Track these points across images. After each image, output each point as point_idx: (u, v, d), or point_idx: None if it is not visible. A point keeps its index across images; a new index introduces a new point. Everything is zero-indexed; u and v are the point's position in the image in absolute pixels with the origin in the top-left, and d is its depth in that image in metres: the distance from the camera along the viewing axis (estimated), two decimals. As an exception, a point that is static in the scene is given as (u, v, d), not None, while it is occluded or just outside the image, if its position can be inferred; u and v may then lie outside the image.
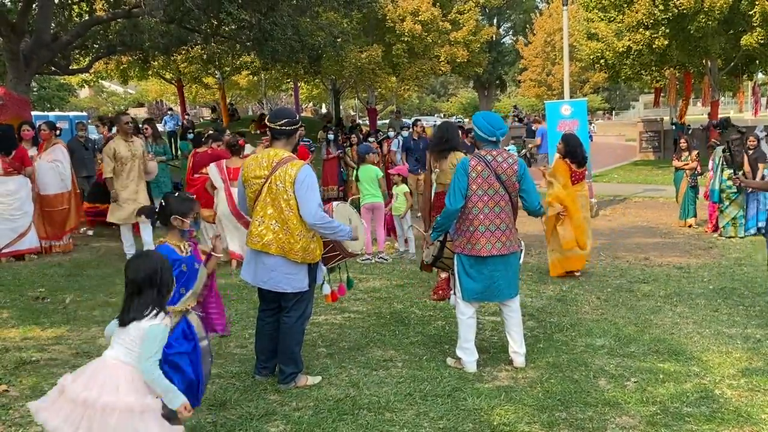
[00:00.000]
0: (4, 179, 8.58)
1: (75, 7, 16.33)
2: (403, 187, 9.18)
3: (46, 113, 24.73)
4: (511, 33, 46.63)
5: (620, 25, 18.87)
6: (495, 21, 41.16)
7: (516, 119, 29.80)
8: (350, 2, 16.27)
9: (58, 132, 9.95)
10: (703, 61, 20.23)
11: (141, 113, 41.44)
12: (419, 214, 11.68)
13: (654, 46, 18.10)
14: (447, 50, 24.30)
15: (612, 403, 4.24)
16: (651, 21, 17.62)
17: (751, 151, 10.01)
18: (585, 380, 4.63)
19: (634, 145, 26.34)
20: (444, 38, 24.12)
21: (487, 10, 36.95)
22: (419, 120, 14.53)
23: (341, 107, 34.21)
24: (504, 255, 4.81)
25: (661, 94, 27.21)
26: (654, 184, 16.95)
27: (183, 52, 21.05)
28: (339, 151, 14.16)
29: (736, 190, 9.80)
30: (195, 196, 8.35)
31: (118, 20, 15.24)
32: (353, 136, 14.51)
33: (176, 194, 3.83)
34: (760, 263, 8.21)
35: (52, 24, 14.62)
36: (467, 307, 4.92)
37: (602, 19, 20.00)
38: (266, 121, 4.67)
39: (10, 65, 12.85)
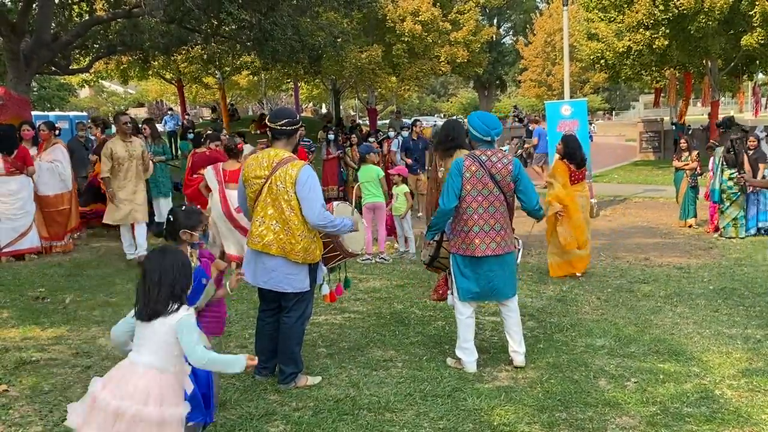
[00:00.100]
0: (6, 179, 8.58)
1: (75, 7, 16.32)
2: (404, 187, 9.18)
3: (46, 113, 24.75)
4: (511, 33, 46.66)
5: (620, 25, 18.87)
6: (495, 21, 41.17)
7: (516, 119, 29.80)
8: (350, 2, 16.25)
9: (57, 132, 9.94)
10: (704, 62, 20.23)
11: (141, 113, 41.45)
12: (420, 214, 11.73)
13: (654, 47, 18.09)
14: (447, 50, 24.30)
15: (612, 404, 4.24)
16: (651, 21, 17.62)
17: (751, 152, 10.02)
18: (585, 380, 4.63)
19: (634, 145, 26.35)
20: (444, 38, 24.11)
21: (488, 11, 36.97)
22: (418, 120, 14.55)
23: (341, 107, 34.21)
24: (499, 255, 4.80)
25: (662, 95, 27.21)
26: (654, 185, 16.95)
27: (183, 52, 21.04)
28: (339, 151, 14.16)
29: (736, 191, 9.80)
30: (192, 198, 8.44)
31: (119, 20, 15.24)
32: (353, 136, 14.51)
33: (183, 208, 3.81)
34: (760, 263, 8.22)
35: (53, 24, 14.61)
36: (465, 307, 4.92)
37: (602, 20, 19.99)
38: (266, 121, 4.67)
39: (11, 65, 12.84)
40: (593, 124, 33.38)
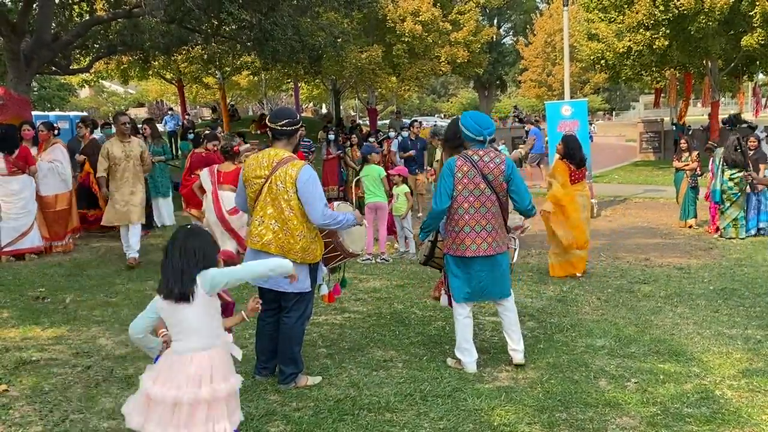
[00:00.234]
0: (7, 179, 8.60)
1: (75, 6, 16.33)
2: (404, 188, 9.19)
3: (46, 113, 24.76)
4: (511, 33, 46.62)
5: (621, 25, 18.86)
6: (495, 21, 41.15)
7: (516, 119, 29.82)
8: (351, 2, 16.26)
9: (56, 132, 9.94)
10: (704, 62, 20.22)
11: (141, 113, 41.46)
12: (420, 215, 11.73)
13: (654, 47, 18.09)
14: (447, 50, 24.30)
15: (612, 404, 4.24)
16: (651, 21, 17.62)
17: (751, 152, 10.02)
18: (585, 381, 4.63)
19: (635, 145, 26.34)
20: (444, 39, 24.12)
21: (488, 11, 36.94)
22: (416, 121, 14.56)
23: (341, 107, 34.22)
24: (490, 256, 4.79)
25: (662, 95, 27.21)
26: (654, 185, 16.95)
27: (183, 52, 21.06)
28: (339, 151, 14.17)
29: (736, 191, 9.80)
30: (187, 198, 8.41)
31: (119, 20, 15.24)
32: (353, 136, 14.52)
33: (188, 227, 3.78)
34: (760, 264, 8.22)
35: (53, 24, 14.61)
36: (461, 308, 4.92)
37: (603, 20, 19.99)
38: (267, 121, 4.67)
39: (11, 65, 12.85)
40: (593, 125, 33.38)
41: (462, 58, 24.51)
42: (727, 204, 9.87)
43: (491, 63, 33.12)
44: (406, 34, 22.55)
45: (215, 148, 8.74)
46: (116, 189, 8.37)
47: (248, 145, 10.89)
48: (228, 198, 7.58)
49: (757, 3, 16.44)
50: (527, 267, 8.34)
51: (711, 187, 10.12)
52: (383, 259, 8.84)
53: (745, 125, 18.14)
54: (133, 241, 8.43)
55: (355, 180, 7.73)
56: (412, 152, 12.60)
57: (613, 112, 58.04)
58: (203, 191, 7.86)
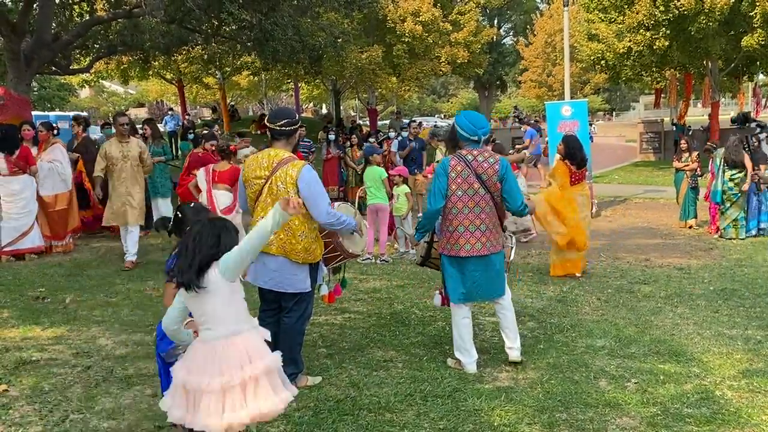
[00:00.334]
0: (8, 179, 8.61)
1: (76, 7, 16.33)
2: (404, 188, 9.20)
3: (46, 113, 24.77)
4: (511, 34, 46.63)
5: (621, 26, 18.87)
6: (495, 22, 41.15)
7: (516, 120, 29.82)
8: (351, 2, 16.27)
9: (55, 132, 9.94)
10: (704, 62, 20.23)
11: (141, 113, 41.48)
12: (420, 214, 11.72)
13: (654, 47, 18.09)
14: (447, 51, 24.30)
15: (612, 404, 4.24)
16: (651, 22, 17.62)
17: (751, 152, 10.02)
18: (585, 381, 4.62)
19: (635, 146, 26.34)
20: (445, 39, 24.11)
21: (488, 11, 36.94)
22: (414, 121, 14.57)
23: (342, 108, 34.22)
24: (484, 255, 4.78)
25: (662, 95, 27.22)
26: (654, 185, 16.95)
27: (184, 52, 21.06)
28: (339, 151, 14.17)
29: (737, 192, 9.80)
30: (183, 198, 8.40)
31: (119, 20, 15.25)
32: (353, 136, 14.52)
33: (191, 204, 3.77)
34: (760, 264, 8.22)
35: (53, 24, 14.61)
36: (459, 308, 4.91)
37: (603, 20, 20.00)
38: (266, 121, 4.66)
39: (11, 65, 12.85)
40: (593, 125, 33.35)
41: (462, 59, 24.50)
42: (728, 204, 9.87)
43: (491, 63, 33.14)
44: (407, 35, 22.54)
45: (213, 148, 8.74)
46: (113, 189, 8.37)
47: (250, 148, 10.90)
48: (222, 197, 7.58)
49: (758, 3, 16.45)
50: (527, 267, 8.35)
51: (712, 187, 10.11)
52: (383, 260, 8.84)
53: (754, 124, 18.13)
54: (130, 244, 8.40)
55: (361, 189, 7.75)
56: (411, 145, 12.57)
57: (614, 113, 58.03)
58: (199, 190, 7.86)
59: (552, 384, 4.57)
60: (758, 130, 14.86)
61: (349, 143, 13.97)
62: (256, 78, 31.61)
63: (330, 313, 6.34)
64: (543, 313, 6.33)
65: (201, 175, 7.87)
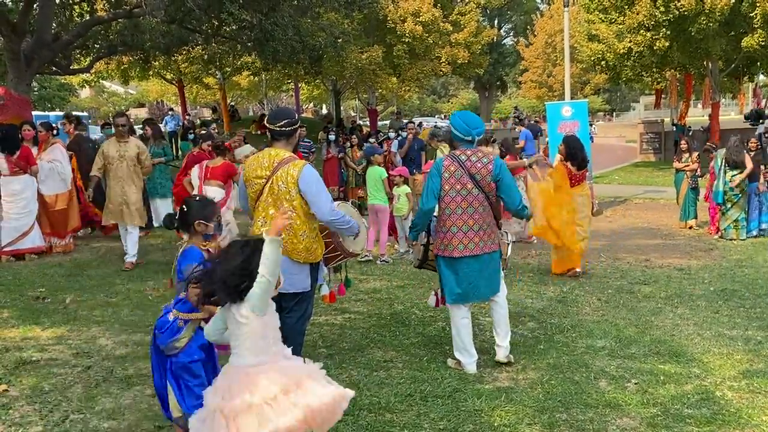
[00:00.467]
0: (9, 179, 8.60)
1: (76, 7, 16.35)
2: (405, 188, 9.20)
3: (46, 113, 24.76)
4: (512, 34, 46.66)
5: (621, 26, 18.88)
6: (496, 22, 41.17)
7: (516, 120, 29.80)
8: (351, 3, 16.28)
9: (55, 132, 9.94)
10: (704, 63, 20.24)
11: (142, 113, 41.47)
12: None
13: (655, 48, 18.10)
14: (448, 51, 24.31)
15: (613, 405, 4.24)
16: (652, 22, 17.63)
17: (752, 153, 10.02)
18: (585, 381, 4.62)
19: (635, 146, 26.34)
20: (445, 39, 24.12)
21: (488, 11, 36.97)
22: (412, 122, 14.59)
23: (342, 108, 34.23)
24: (477, 255, 4.77)
25: (662, 96, 27.21)
26: (655, 186, 16.95)
27: (184, 52, 21.08)
28: (339, 151, 14.16)
29: (737, 192, 9.80)
30: (179, 197, 8.37)
31: (119, 20, 15.26)
32: (353, 136, 14.52)
33: (197, 198, 3.76)
34: (761, 265, 8.21)
35: (53, 24, 14.63)
36: (458, 309, 4.90)
37: (603, 21, 20.01)
38: (266, 122, 4.66)
39: (11, 65, 12.86)
40: (594, 126, 33.35)
41: (462, 59, 24.51)
42: (728, 205, 9.86)
43: (492, 64, 33.17)
44: (407, 35, 22.55)
45: (209, 148, 8.75)
46: (109, 188, 8.35)
47: (250, 149, 10.88)
48: (213, 193, 7.56)
49: (758, 4, 16.45)
50: (527, 267, 8.34)
51: (713, 188, 10.10)
52: (384, 260, 8.83)
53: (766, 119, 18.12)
54: (130, 245, 8.37)
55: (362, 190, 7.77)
56: (409, 138, 12.61)
57: (614, 113, 58.01)
58: (193, 187, 7.86)
59: (552, 384, 4.57)
60: (763, 129, 14.89)
61: (349, 143, 13.96)
62: (256, 78, 31.62)
63: (330, 313, 6.34)
64: (543, 313, 6.33)
65: (195, 172, 7.87)
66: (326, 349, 5.35)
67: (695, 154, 11.11)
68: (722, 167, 9.90)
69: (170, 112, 27.69)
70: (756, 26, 16.94)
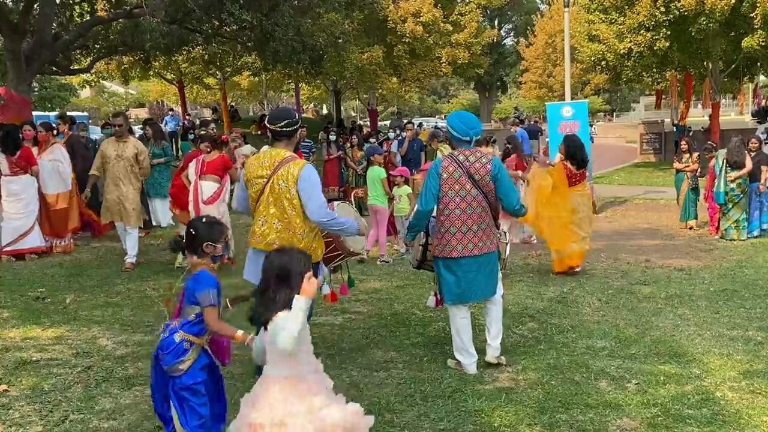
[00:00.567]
0: (10, 179, 8.61)
1: (76, 7, 16.35)
2: (406, 188, 9.18)
3: (47, 113, 24.75)
4: (512, 34, 46.66)
5: (621, 26, 18.87)
6: (496, 22, 41.18)
7: (516, 120, 29.79)
8: (351, 3, 16.28)
9: (55, 132, 9.93)
10: (704, 63, 20.23)
11: (142, 114, 41.48)
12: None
13: (655, 48, 18.09)
14: (448, 51, 24.31)
15: (613, 405, 4.24)
16: (652, 23, 17.63)
17: (753, 153, 10.01)
18: (586, 382, 4.62)
19: (635, 147, 26.34)
20: (445, 39, 24.13)
21: (488, 12, 36.98)
22: (411, 122, 14.60)
23: (342, 108, 34.23)
24: (477, 256, 4.77)
25: (663, 96, 27.21)
26: (655, 186, 16.94)
27: (184, 52, 21.09)
28: (340, 152, 14.17)
29: (738, 192, 9.79)
30: (175, 197, 8.36)
31: (120, 20, 15.27)
32: (353, 137, 14.53)
33: (203, 220, 3.69)
34: (761, 265, 8.21)
35: (54, 24, 14.64)
36: (457, 309, 4.90)
37: (603, 21, 20.00)
38: (266, 122, 4.66)
39: (11, 65, 12.87)
40: (594, 126, 33.39)
41: (463, 59, 24.52)
42: (729, 206, 9.86)
43: (492, 64, 33.17)
44: (407, 35, 22.56)
45: (208, 149, 8.73)
46: (106, 187, 8.32)
47: (250, 148, 10.87)
48: (207, 187, 7.55)
49: (758, 4, 16.44)
50: (528, 268, 8.34)
51: (715, 188, 10.08)
52: (384, 260, 8.83)
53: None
54: (129, 246, 8.34)
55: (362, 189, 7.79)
56: (408, 136, 12.65)
57: (614, 114, 58.03)
58: (190, 182, 7.85)
59: (552, 385, 4.57)
60: (763, 129, 14.87)
61: (349, 144, 13.97)
62: (256, 78, 31.63)
63: (330, 313, 6.34)
64: (543, 313, 6.32)
65: (191, 167, 7.86)
66: (326, 350, 5.35)
67: (695, 155, 11.10)
68: (723, 168, 9.89)
69: (170, 113, 27.70)
70: (756, 27, 16.92)
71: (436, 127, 21.44)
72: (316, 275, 4.56)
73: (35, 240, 8.85)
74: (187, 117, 27.67)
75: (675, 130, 22.22)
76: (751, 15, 16.79)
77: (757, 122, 17.68)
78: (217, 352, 3.63)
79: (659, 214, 12.82)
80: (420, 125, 15.74)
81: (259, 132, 22.98)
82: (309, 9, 15.82)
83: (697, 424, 3.98)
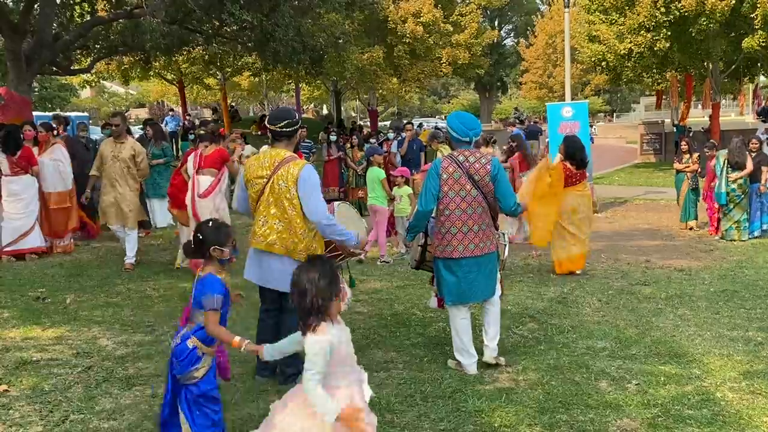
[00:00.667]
0: (10, 179, 8.61)
1: (77, 7, 16.35)
2: (407, 189, 9.17)
3: (47, 114, 24.77)
4: (512, 35, 46.67)
5: (622, 27, 18.88)
6: (496, 23, 41.20)
7: (517, 121, 29.80)
8: (351, 3, 16.29)
9: (55, 132, 9.94)
10: (705, 64, 20.24)
11: (142, 114, 41.49)
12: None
13: (655, 49, 18.10)
14: (448, 52, 24.32)
15: (613, 406, 4.24)
16: (652, 23, 17.64)
17: (753, 154, 10.00)
18: (586, 382, 4.62)
19: (635, 147, 26.35)
20: (446, 40, 24.14)
21: (489, 12, 36.99)
22: (411, 123, 14.60)
23: (342, 109, 34.24)
24: (477, 256, 4.77)
25: (663, 97, 27.21)
26: (655, 187, 16.94)
27: (185, 52, 21.09)
28: (340, 152, 14.17)
29: (740, 193, 9.79)
30: (172, 196, 8.34)
31: (120, 21, 15.27)
32: (354, 137, 14.53)
33: (209, 223, 3.67)
34: (761, 266, 8.21)
35: (54, 24, 14.64)
36: (457, 309, 4.90)
37: (604, 22, 20.01)
38: (266, 123, 4.66)
39: (12, 65, 12.87)
40: (594, 126, 33.40)
41: (463, 60, 24.53)
42: (731, 206, 9.86)
43: (492, 64, 33.18)
44: (408, 36, 22.57)
45: (206, 146, 8.73)
46: (102, 188, 8.28)
47: (251, 149, 10.88)
48: (204, 181, 7.54)
49: (758, 5, 16.45)
50: (528, 268, 8.34)
51: (716, 188, 10.07)
52: (384, 260, 8.83)
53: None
54: (128, 247, 8.32)
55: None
56: (408, 136, 12.68)
57: (614, 114, 58.04)
58: (189, 176, 7.84)
59: (553, 385, 4.57)
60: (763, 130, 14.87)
61: (349, 144, 13.97)
62: (256, 79, 31.63)
63: (330, 313, 6.33)
64: (544, 314, 6.32)
65: (190, 162, 7.85)
66: (326, 350, 5.34)
67: (696, 155, 11.10)
68: (724, 168, 9.88)
69: (171, 113, 27.69)
70: (756, 27, 16.94)
71: (436, 128, 21.44)
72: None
73: (35, 240, 8.85)
74: (187, 117, 27.66)
75: (675, 130, 22.23)
76: (752, 15, 16.81)
77: (763, 121, 17.69)
78: (218, 366, 3.61)
79: (659, 214, 12.82)
80: (420, 125, 15.73)
81: (259, 132, 22.96)
82: (309, 9, 15.82)
83: (698, 424, 3.98)
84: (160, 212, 11.02)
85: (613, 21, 19.32)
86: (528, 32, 43.55)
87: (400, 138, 13.85)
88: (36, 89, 29.45)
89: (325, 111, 41.75)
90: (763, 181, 9.89)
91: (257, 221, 4.46)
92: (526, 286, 7.37)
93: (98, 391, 4.50)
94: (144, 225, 10.16)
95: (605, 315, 6.27)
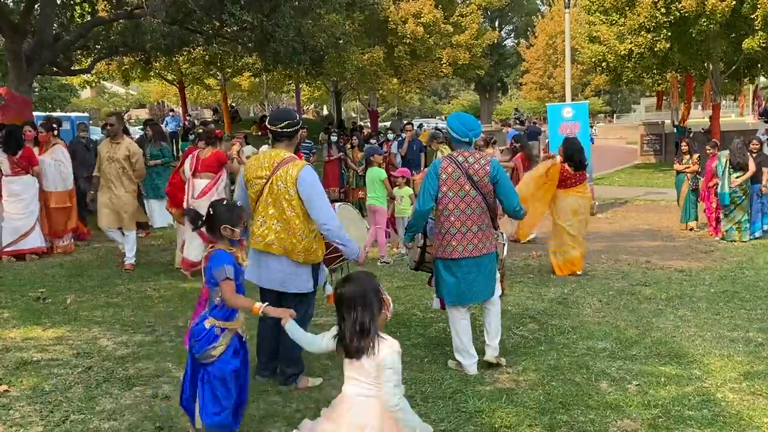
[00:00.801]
0: (11, 179, 8.62)
1: (77, 7, 16.35)
2: (407, 189, 9.17)
3: (47, 114, 24.77)
4: (513, 36, 46.68)
5: (622, 28, 18.88)
6: (497, 23, 41.20)
7: (517, 122, 29.80)
8: (352, 4, 16.28)
9: (56, 132, 9.93)
10: (705, 65, 20.23)
11: (142, 114, 41.49)
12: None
13: (656, 49, 18.10)
14: (449, 52, 24.32)
15: (613, 406, 4.23)
16: (653, 24, 17.64)
17: (754, 155, 10.00)
18: (586, 383, 4.62)
19: (636, 148, 26.35)
20: (446, 40, 24.15)
21: (489, 13, 37.00)
22: (411, 123, 14.61)
23: (342, 109, 34.25)
24: (476, 257, 4.77)
25: (663, 98, 27.21)
26: (655, 187, 16.95)
27: (185, 53, 21.09)
28: (340, 152, 14.17)
29: (741, 194, 9.79)
30: (171, 196, 8.34)
31: (120, 21, 15.27)
32: (354, 137, 14.53)
33: (224, 202, 3.66)
34: (761, 267, 8.21)
35: (54, 24, 14.64)
36: (456, 310, 4.90)
37: (604, 22, 20.01)
38: (267, 123, 4.66)
39: (12, 65, 12.87)
40: (594, 127, 33.39)
41: (463, 60, 24.54)
42: (732, 207, 9.85)
43: (492, 65, 33.18)
44: (408, 36, 22.57)
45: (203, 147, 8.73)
46: (99, 189, 8.24)
47: (251, 149, 10.88)
48: (200, 185, 7.53)
49: (759, 6, 16.45)
50: (528, 269, 8.34)
51: (719, 190, 10.06)
52: (384, 261, 8.83)
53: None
54: (127, 248, 8.30)
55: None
56: (408, 136, 12.69)
57: (614, 115, 58.04)
58: (186, 178, 7.84)
59: (553, 386, 4.57)
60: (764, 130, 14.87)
61: (350, 145, 13.97)
62: (257, 79, 31.66)
63: (331, 314, 6.33)
64: (544, 314, 6.32)
65: (187, 163, 7.84)
66: (327, 350, 5.34)
67: (696, 156, 11.11)
68: (726, 169, 9.88)
69: (171, 113, 27.70)
70: (757, 28, 16.94)
71: (436, 128, 21.43)
72: (317, 276, 4.59)
73: (36, 240, 8.86)
74: (187, 118, 27.68)
75: (675, 131, 22.21)
76: (752, 16, 16.81)
77: (765, 122, 17.71)
78: None
79: (660, 215, 12.82)
80: (420, 126, 15.74)
81: (259, 133, 22.97)
82: (310, 10, 15.82)
83: (698, 425, 3.98)
84: (159, 213, 11.02)
85: (614, 21, 19.32)
86: (528, 33, 43.57)
87: (400, 139, 13.86)
88: (36, 89, 29.46)
89: (325, 111, 41.77)
90: (763, 182, 9.89)
91: (256, 221, 4.46)
92: (526, 287, 7.37)
93: (98, 392, 4.50)
94: (143, 226, 10.16)
95: (606, 316, 6.26)
